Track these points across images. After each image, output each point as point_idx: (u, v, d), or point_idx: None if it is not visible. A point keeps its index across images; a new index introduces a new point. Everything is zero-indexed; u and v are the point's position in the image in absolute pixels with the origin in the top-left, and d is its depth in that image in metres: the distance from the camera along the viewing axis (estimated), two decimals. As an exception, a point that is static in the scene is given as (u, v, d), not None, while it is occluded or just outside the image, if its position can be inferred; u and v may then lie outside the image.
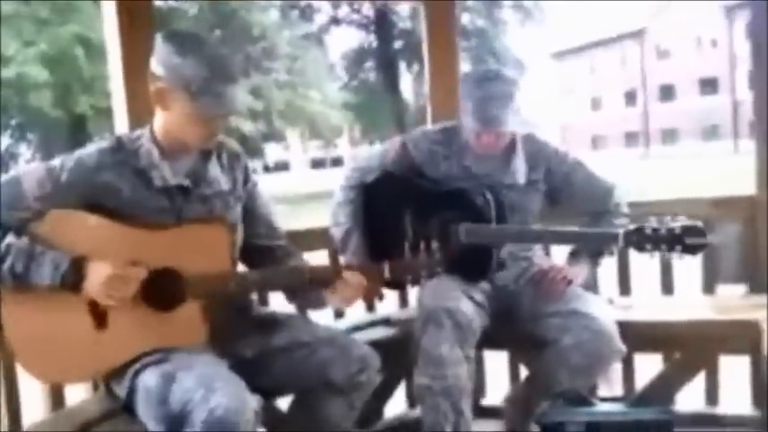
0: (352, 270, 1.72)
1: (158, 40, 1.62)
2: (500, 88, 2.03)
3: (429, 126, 2.39)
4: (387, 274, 1.72)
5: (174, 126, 1.65)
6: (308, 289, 1.80)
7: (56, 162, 1.65)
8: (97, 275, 1.56)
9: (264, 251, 1.87)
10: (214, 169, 1.76)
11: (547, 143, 2.23)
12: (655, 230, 1.89)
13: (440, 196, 2.14)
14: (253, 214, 1.86)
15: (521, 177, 2.16)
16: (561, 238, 2.16)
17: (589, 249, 2.16)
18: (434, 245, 1.71)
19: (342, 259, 2.24)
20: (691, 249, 1.88)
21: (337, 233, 2.23)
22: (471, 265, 2.07)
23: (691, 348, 2.30)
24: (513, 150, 2.17)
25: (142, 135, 1.70)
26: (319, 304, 1.85)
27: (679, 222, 1.88)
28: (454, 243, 2.02)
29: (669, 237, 1.88)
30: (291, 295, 1.88)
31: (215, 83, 1.58)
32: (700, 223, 1.91)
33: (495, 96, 2.02)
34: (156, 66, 1.61)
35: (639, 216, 2.35)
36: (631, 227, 1.95)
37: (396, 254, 1.76)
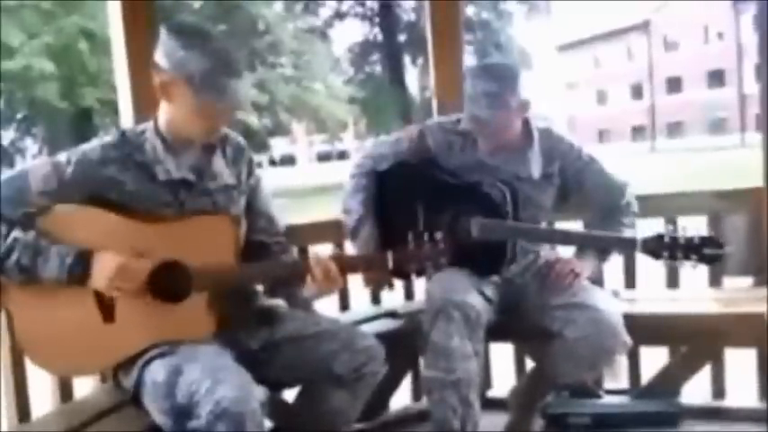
0: (352, 261, 1.70)
1: (163, 33, 1.62)
2: (486, 86, 2.02)
3: (446, 117, 2.37)
4: (390, 263, 1.72)
5: (178, 119, 1.66)
6: (286, 283, 1.80)
7: (61, 157, 1.66)
8: (103, 267, 1.56)
9: (263, 246, 1.87)
10: (218, 163, 1.76)
11: (562, 138, 2.22)
12: (673, 239, 1.90)
13: (455, 188, 2.12)
14: (254, 209, 1.86)
15: (535, 171, 2.15)
16: (576, 240, 2.16)
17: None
18: (438, 236, 1.71)
19: (351, 247, 2.23)
20: (707, 259, 1.89)
21: (349, 221, 2.20)
22: (484, 258, 2.07)
23: (696, 341, 2.29)
24: (529, 143, 2.16)
25: (146, 129, 1.71)
26: (301, 302, 1.84)
27: (697, 233, 1.90)
28: (466, 237, 2.01)
29: (686, 246, 1.89)
30: (274, 291, 1.87)
31: (218, 76, 1.58)
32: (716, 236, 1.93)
33: (481, 94, 2.02)
34: (160, 58, 1.61)
35: (646, 209, 2.35)
36: (650, 234, 1.95)
37: (405, 244, 1.75)
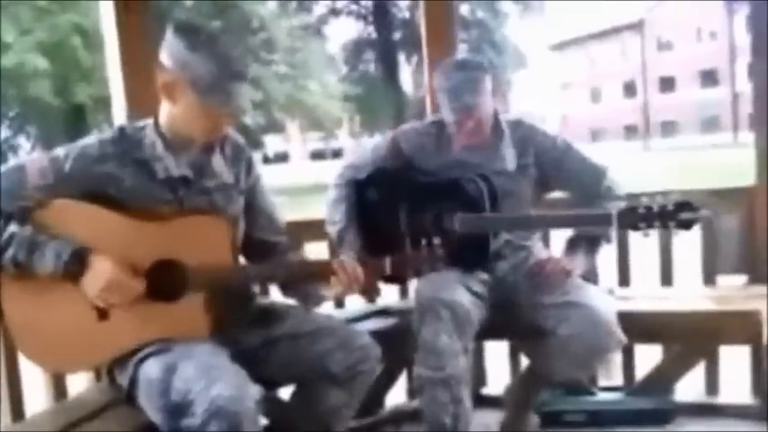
0: (351, 263, 1.71)
1: (169, 33, 1.61)
2: (467, 75, 2.04)
3: (419, 121, 2.39)
4: (388, 269, 1.72)
5: (180, 119, 1.65)
6: (305, 283, 1.80)
7: (59, 152, 1.65)
8: (96, 275, 1.56)
9: (264, 245, 1.87)
10: (217, 162, 1.76)
11: (534, 126, 2.22)
12: (647, 208, 1.88)
13: (433, 188, 2.14)
14: (254, 208, 1.86)
15: (510, 163, 2.15)
16: (555, 222, 2.15)
17: (586, 237, 2.15)
18: (436, 240, 1.71)
19: (341, 255, 2.24)
20: (684, 224, 1.87)
21: (333, 231, 2.23)
22: (468, 254, 2.07)
23: (690, 339, 2.30)
24: (500, 137, 2.17)
25: (146, 126, 1.70)
26: (315, 299, 1.85)
27: (671, 199, 1.88)
28: (449, 233, 2.02)
29: (662, 213, 1.87)
30: (287, 290, 1.87)
31: (223, 80, 1.58)
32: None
33: (464, 83, 2.03)
34: (165, 58, 1.61)
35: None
36: (624, 206, 1.94)
37: (392, 248, 1.76)
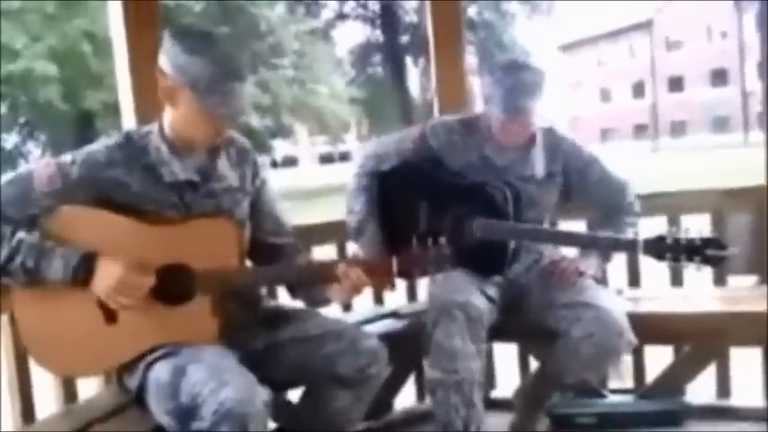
0: (356, 265, 1.70)
1: (167, 38, 1.62)
2: (529, 77, 2.01)
3: (449, 116, 2.36)
4: (395, 268, 1.71)
5: (182, 123, 1.66)
6: (311, 285, 1.80)
7: (66, 158, 1.66)
8: (106, 276, 1.57)
9: (271, 248, 1.87)
10: (223, 165, 1.76)
11: (565, 137, 2.22)
12: (676, 240, 1.89)
13: (457, 189, 2.12)
14: (261, 211, 1.86)
15: (540, 170, 2.14)
16: (578, 241, 2.16)
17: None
18: (442, 240, 1.70)
19: (355, 247, 2.23)
20: (710, 261, 1.88)
21: (352, 221, 2.20)
22: (486, 259, 2.06)
23: (701, 340, 2.29)
24: (533, 143, 2.15)
25: (151, 131, 1.71)
26: (322, 301, 1.85)
27: (699, 234, 1.88)
28: (468, 238, 2.01)
29: (689, 247, 1.88)
30: (294, 292, 1.88)
31: (222, 82, 1.58)
32: (718, 236, 1.92)
33: (524, 85, 2.00)
34: (164, 63, 1.62)
35: (649, 208, 2.35)
36: (651, 235, 1.94)
37: (408, 245, 1.75)
